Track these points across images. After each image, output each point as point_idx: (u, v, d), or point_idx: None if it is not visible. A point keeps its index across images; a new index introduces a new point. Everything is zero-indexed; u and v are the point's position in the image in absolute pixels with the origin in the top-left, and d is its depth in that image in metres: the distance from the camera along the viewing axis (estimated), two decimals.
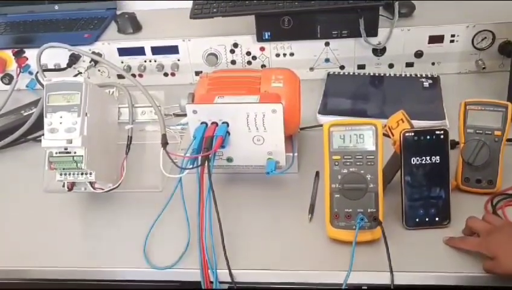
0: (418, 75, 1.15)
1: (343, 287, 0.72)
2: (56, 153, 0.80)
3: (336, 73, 1.20)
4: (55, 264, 0.81)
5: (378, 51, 1.17)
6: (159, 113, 0.89)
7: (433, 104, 1.05)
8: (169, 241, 0.81)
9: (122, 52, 1.23)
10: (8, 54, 1.25)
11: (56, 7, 1.39)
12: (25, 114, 1.12)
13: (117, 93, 0.94)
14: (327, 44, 1.17)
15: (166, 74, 1.26)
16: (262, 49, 1.19)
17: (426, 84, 1.12)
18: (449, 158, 0.78)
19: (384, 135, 0.76)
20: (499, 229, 0.71)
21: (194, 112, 0.82)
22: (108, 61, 1.00)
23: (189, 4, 1.15)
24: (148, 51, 1.22)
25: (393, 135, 0.79)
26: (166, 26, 1.28)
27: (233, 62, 1.22)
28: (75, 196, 0.91)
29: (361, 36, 1.13)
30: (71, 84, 0.81)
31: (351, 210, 0.75)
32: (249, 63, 1.22)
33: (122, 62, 1.24)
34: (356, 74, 1.19)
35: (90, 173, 0.82)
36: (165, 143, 0.84)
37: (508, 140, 0.83)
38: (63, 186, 0.85)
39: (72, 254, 0.82)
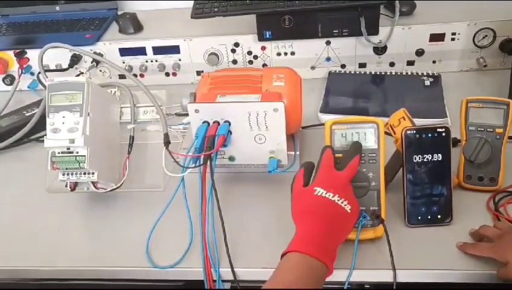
0: (419, 74, 1.15)
1: (345, 285, 0.72)
2: (58, 153, 0.81)
3: (337, 72, 1.20)
4: (58, 264, 0.81)
5: (379, 50, 1.17)
6: (160, 112, 0.89)
7: (434, 102, 1.05)
8: (171, 240, 0.81)
9: (124, 52, 1.23)
10: (10, 54, 1.26)
11: (57, 8, 1.39)
12: (27, 114, 1.13)
13: (119, 93, 0.94)
14: (328, 43, 1.17)
15: (167, 74, 1.26)
16: (263, 48, 1.19)
17: (427, 82, 1.12)
18: (451, 156, 0.78)
19: (386, 133, 0.77)
20: (510, 233, 0.71)
21: (196, 111, 0.82)
22: (110, 61, 1.00)
23: (190, 4, 1.15)
24: (149, 51, 1.23)
25: (395, 133, 0.79)
26: (168, 26, 1.28)
27: (234, 62, 1.22)
28: (78, 196, 0.91)
29: (362, 35, 1.13)
30: (73, 84, 0.82)
31: None
32: (250, 62, 1.22)
33: (123, 62, 1.25)
34: (357, 72, 1.19)
35: (93, 173, 0.83)
36: (167, 142, 0.84)
37: (510, 137, 0.83)
38: (66, 186, 0.86)
39: (75, 254, 0.82)
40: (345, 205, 0.68)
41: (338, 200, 0.68)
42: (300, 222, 0.68)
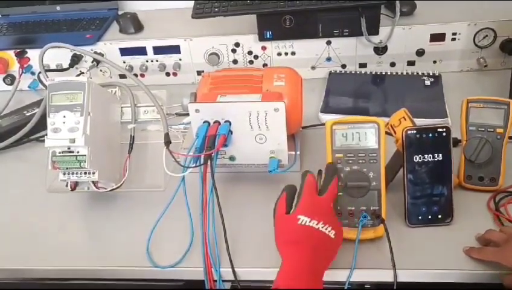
0: (420, 74, 1.15)
1: (346, 285, 0.72)
2: (59, 152, 0.81)
3: (338, 72, 1.20)
4: (58, 264, 0.81)
5: (380, 50, 1.17)
6: (161, 112, 0.90)
7: (435, 102, 1.05)
8: (172, 240, 0.81)
9: (124, 52, 1.23)
10: (10, 54, 1.26)
11: (58, 8, 1.39)
12: (28, 114, 1.13)
13: (119, 93, 0.94)
14: (329, 43, 1.17)
15: (168, 74, 1.26)
16: (263, 48, 1.19)
17: (428, 82, 1.12)
18: (451, 156, 0.78)
19: (386, 133, 0.77)
20: None
21: (197, 110, 0.82)
22: (111, 61, 1.00)
23: (191, 4, 1.15)
24: (149, 50, 1.23)
25: (395, 133, 0.80)
26: (168, 26, 1.28)
27: (235, 61, 1.22)
28: (78, 196, 0.92)
29: (362, 35, 1.13)
30: (74, 83, 0.82)
31: (353, 208, 0.76)
32: (251, 62, 1.22)
33: (124, 62, 1.25)
34: (358, 72, 1.19)
35: (93, 173, 0.83)
36: (167, 142, 0.84)
37: (511, 137, 0.83)
38: (66, 185, 0.86)
39: (75, 254, 0.82)
40: (329, 231, 0.67)
41: (322, 227, 0.66)
42: (286, 253, 0.66)
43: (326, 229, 0.66)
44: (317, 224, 0.66)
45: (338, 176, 0.74)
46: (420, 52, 1.16)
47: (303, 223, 0.66)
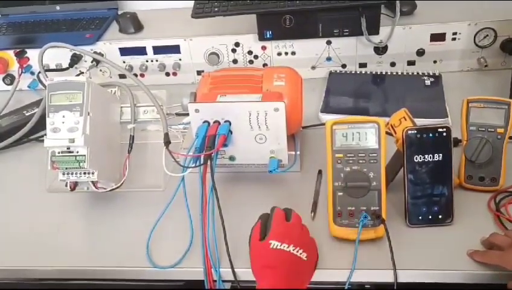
0: (420, 73, 1.15)
1: (346, 285, 0.72)
2: (58, 152, 0.81)
3: (338, 71, 1.20)
4: (58, 264, 0.81)
5: (380, 50, 1.16)
6: (161, 112, 0.89)
7: (435, 102, 1.05)
8: (172, 240, 0.81)
9: (124, 52, 1.23)
10: (10, 54, 1.25)
11: (57, 7, 1.39)
12: (27, 114, 1.13)
13: (119, 92, 0.94)
14: (329, 43, 1.17)
15: (168, 74, 1.26)
16: (263, 48, 1.19)
17: (428, 82, 1.12)
18: (452, 156, 0.77)
19: (386, 133, 0.77)
20: None
21: (196, 110, 0.82)
22: (111, 61, 1.00)
23: (191, 4, 1.14)
24: (149, 50, 1.22)
25: (395, 133, 0.79)
26: (168, 26, 1.28)
27: (234, 61, 1.22)
28: (78, 196, 0.91)
29: (362, 35, 1.13)
30: (73, 83, 0.82)
31: (353, 208, 0.76)
32: (251, 62, 1.21)
33: (123, 62, 1.24)
34: (358, 72, 1.19)
35: (93, 173, 0.82)
36: (167, 142, 0.84)
37: (511, 137, 0.82)
38: (66, 185, 0.85)
39: (75, 254, 0.82)
40: (301, 254, 0.69)
41: (293, 250, 0.68)
42: (261, 277, 0.68)
43: (297, 251, 0.69)
44: (287, 247, 0.68)
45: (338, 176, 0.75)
46: (420, 52, 1.16)
47: (274, 247, 0.69)
